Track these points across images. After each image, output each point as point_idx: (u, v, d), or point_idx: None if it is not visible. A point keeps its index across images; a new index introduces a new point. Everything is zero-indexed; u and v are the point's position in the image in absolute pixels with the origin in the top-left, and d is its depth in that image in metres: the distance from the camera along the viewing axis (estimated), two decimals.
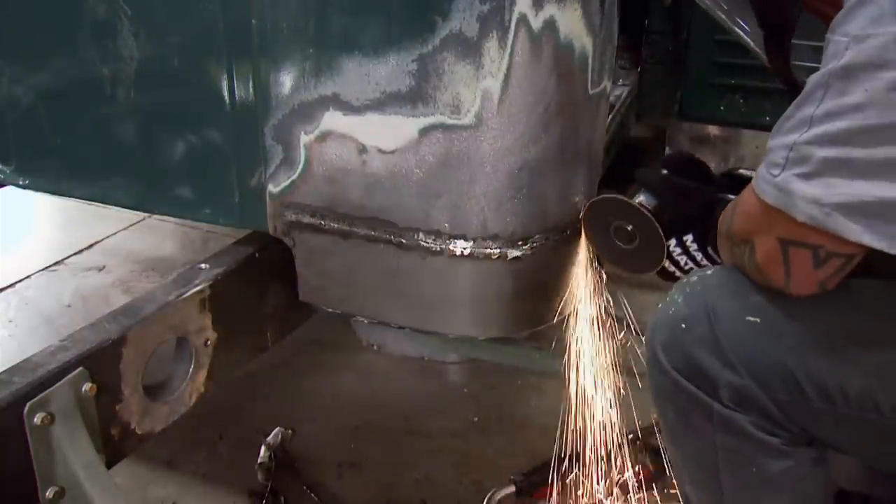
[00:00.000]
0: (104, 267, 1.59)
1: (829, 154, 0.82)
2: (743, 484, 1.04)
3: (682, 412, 1.04)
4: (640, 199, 1.27)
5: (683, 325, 1.00)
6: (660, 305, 1.06)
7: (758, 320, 0.97)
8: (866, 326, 0.95)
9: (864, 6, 0.79)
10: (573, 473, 1.75)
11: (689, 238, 1.19)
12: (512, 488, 1.71)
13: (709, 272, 1.07)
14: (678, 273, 1.22)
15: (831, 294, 0.93)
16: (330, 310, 1.39)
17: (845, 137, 0.81)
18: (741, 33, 1.26)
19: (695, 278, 1.05)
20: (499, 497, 1.70)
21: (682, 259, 1.21)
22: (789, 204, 0.85)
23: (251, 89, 1.23)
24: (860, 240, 0.82)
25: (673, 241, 1.20)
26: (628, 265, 1.28)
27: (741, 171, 1.31)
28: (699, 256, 1.20)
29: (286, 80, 1.20)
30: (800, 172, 0.84)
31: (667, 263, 1.22)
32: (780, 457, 1.00)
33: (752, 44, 1.26)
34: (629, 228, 1.24)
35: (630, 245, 1.25)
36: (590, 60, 1.18)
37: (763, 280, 0.97)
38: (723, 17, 1.30)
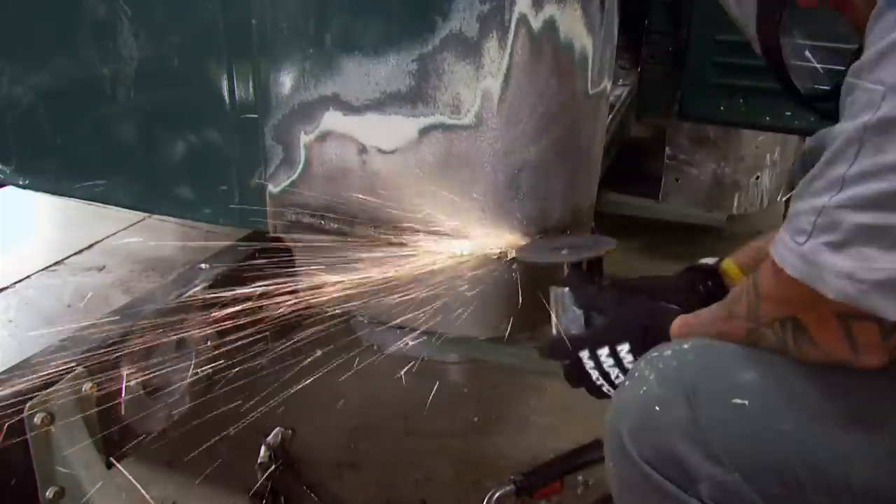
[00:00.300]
0: (104, 267, 1.59)
1: (863, 220, 0.71)
2: None
3: None
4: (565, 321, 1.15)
5: (657, 408, 0.87)
6: (626, 383, 0.93)
7: (746, 402, 0.84)
8: (876, 406, 0.83)
9: None
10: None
11: (623, 348, 1.04)
12: (512, 488, 1.71)
13: (685, 345, 0.92)
14: (606, 388, 1.08)
15: (835, 369, 0.83)
16: (330, 310, 1.38)
17: (883, 201, 0.70)
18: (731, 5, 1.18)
19: (668, 352, 0.91)
20: (498, 496, 1.70)
21: (614, 371, 1.06)
22: (817, 278, 0.74)
23: (251, 89, 1.23)
24: None
25: (605, 350, 1.06)
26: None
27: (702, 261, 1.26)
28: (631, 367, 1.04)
29: (286, 80, 1.20)
30: (829, 241, 0.73)
31: (595, 376, 1.08)
32: None
33: (739, 20, 1.17)
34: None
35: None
36: (590, 60, 1.18)
37: (823, 356, 0.83)
38: None
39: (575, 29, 1.13)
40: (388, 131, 1.17)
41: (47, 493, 1.00)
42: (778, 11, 1.07)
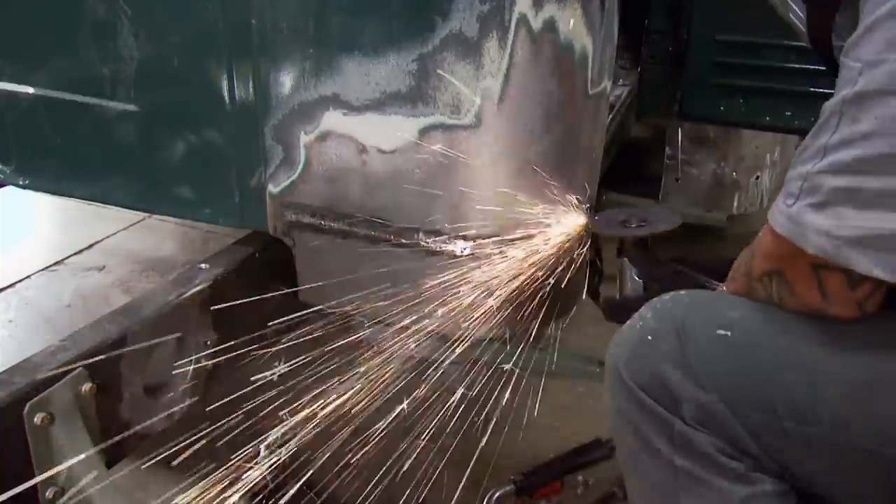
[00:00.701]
0: (104, 267, 1.59)
1: (839, 184, 0.80)
2: None
3: (642, 434, 0.97)
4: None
5: (650, 338, 0.96)
6: (628, 322, 1.02)
7: (729, 333, 0.93)
8: (847, 345, 0.90)
9: (878, 30, 0.77)
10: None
11: None
12: (512, 488, 1.71)
13: (682, 291, 1.02)
14: None
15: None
16: (330, 310, 1.38)
17: (856, 166, 0.79)
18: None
19: (667, 297, 1.01)
20: (498, 496, 1.70)
21: None
22: (800, 236, 0.84)
23: (251, 89, 1.23)
24: (870, 272, 0.79)
25: None
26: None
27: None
28: None
29: (286, 80, 1.20)
30: (812, 203, 0.82)
31: None
32: (743, 483, 0.93)
33: (790, 17, 1.20)
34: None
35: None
36: (590, 60, 1.18)
37: (799, 304, 0.92)
38: None
39: (575, 29, 1.13)
40: (388, 131, 1.17)
41: (47, 493, 1.00)
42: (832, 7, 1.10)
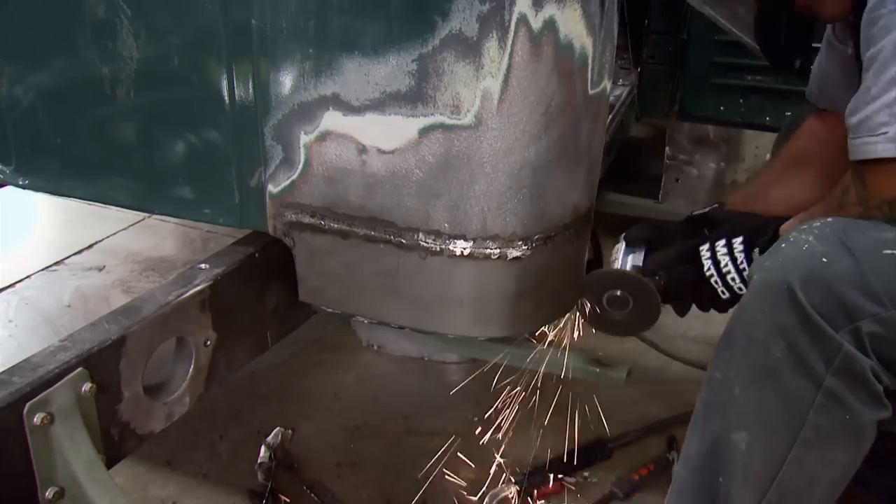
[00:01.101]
0: (104, 267, 1.59)
1: None
2: (828, 430, 1.03)
3: (797, 351, 1.01)
4: (627, 262, 1.35)
5: (824, 260, 1.00)
6: (783, 245, 1.06)
7: (895, 252, 0.99)
8: None
9: None
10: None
11: (737, 240, 1.24)
12: (513, 488, 1.71)
13: (825, 220, 1.08)
14: (715, 278, 1.28)
15: None
16: (330, 310, 1.39)
17: None
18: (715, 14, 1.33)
19: (816, 223, 1.06)
20: (500, 497, 1.70)
21: (725, 260, 1.25)
22: None
23: (251, 89, 1.23)
24: None
25: (722, 242, 1.25)
26: (630, 329, 1.34)
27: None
28: (742, 262, 1.25)
29: (286, 80, 1.20)
30: None
31: (708, 266, 1.27)
32: (879, 408, 1.01)
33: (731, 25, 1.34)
34: (619, 294, 1.32)
35: (626, 310, 1.31)
36: (590, 60, 1.18)
37: None
38: None
39: (575, 29, 1.13)
40: (388, 131, 1.17)
41: (47, 494, 1.00)
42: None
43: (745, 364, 1.08)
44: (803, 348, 1.00)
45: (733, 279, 1.27)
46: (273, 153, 1.26)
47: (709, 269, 1.28)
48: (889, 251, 1.00)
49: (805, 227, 1.06)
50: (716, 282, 1.28)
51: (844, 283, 0.98)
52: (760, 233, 1.24)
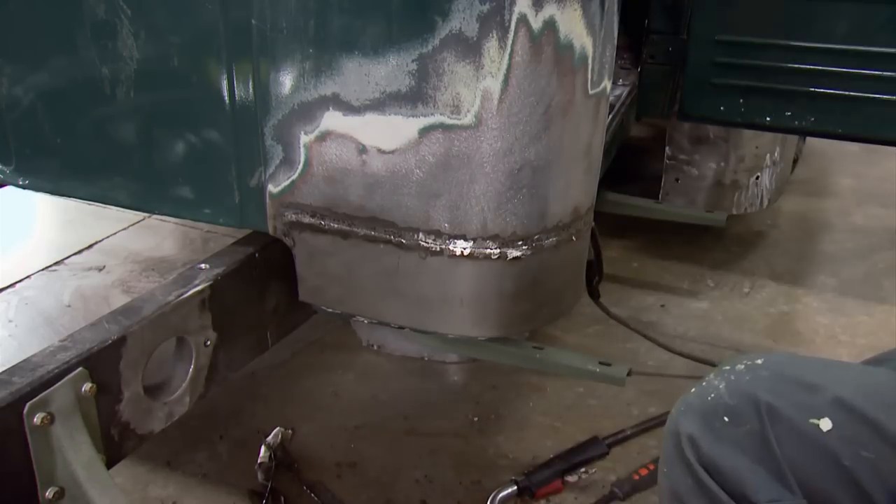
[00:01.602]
0: (104, 267, 1.59)
1: None
2: None
3: None
4: None
5: (726, 419, 0.82)
6: (693, 389, 0.88)
7: (829, 424, 0.78)
8: None
9: None
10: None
11: None
12: (514, 489, 1.71)
13: (759, 360, 0.88)
14: None
15: None
16: (330, 310, 1.39)
17: None
18: None
19: (741, 366, 0.87)
20: (501, 496, 1.70)
21: None
22: None
23: (251, 89, 1.23)
24: None
25: None
26: None
27: None
28: None
29: (286, 80, 1.20)
30: None
31: None
32: None
33: None
34: None
35: None
36: (590, 60, 1.18)
37: None
38: None
39: (575, 29, 1.13)
40: (388, 131, 1.17)
41: (47, 494, 1.00)
42: None
43: None
44: None
45: None
46: (273, 153, 1.26)
47: None
48: (815, 421, 0.78)
49: (727, 368, 0.87)
50: None
51: (743, 451, 0.79)
52: None
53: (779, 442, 0.78)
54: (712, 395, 0.84)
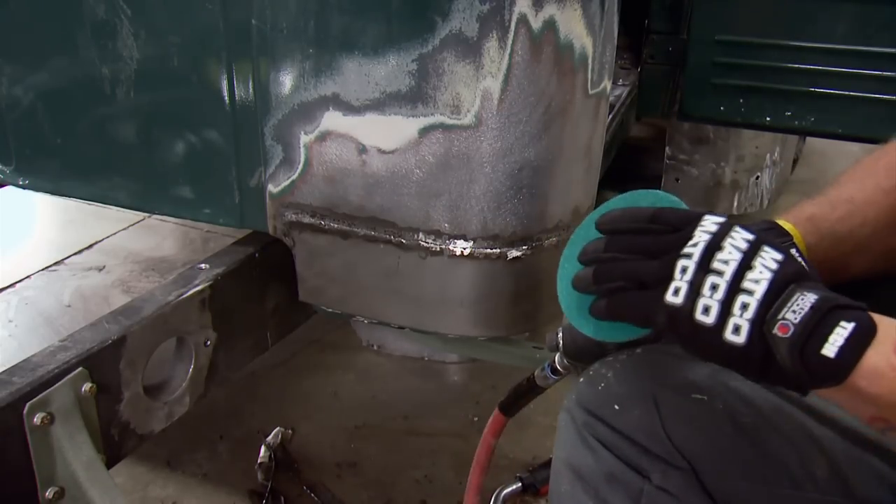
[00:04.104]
0: (104, 267, 1.59)
1: None
2: None
3: (601, 496, 0.85)
4: None
5: (617, 407, 0.86)
6: (582, 378, 0.92)
7: (705, 398, 0.84)
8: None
9: None
10: None
11: (774, 255, 0.67)
12: (518, 486, 1.71)
13: (638, 351, 0.93)
14: (686, 266, 0.72)
15: None
16: (330, 310, 1.39)
17: None
18: None
19: (623, 356, 0.92)
20: (505, 494, 1.70)
21: (733, 253, 0.69)
22: None
23: (251, 89, 1.23)
24: None
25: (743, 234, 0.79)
26: None
27: None
28: (756, 281, 0.65)
29: (286, 80, 1.20)
30: None
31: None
32: None
33: None
34: None
35: None
36: (590, 60, 1.18)
37: None
38: None
39: (575, 29, 1.13)
40: (388, 131, 1.17)
41: (47, 494, 1.00)
42: None
43: None
44: (605, 493, 0.84)
45: (714, 286, 0.67)
46: (273, 153, 1.26)
47: (696, 243, 0.69)
48: (698, 395, 0.83)
49: (611, 359, 0.91)
50: (683, 268, 0.69)
51: (636, 431, 0.83)
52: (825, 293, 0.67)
53: (665, 421, 0.82)
54: (602, 385, 0.88)
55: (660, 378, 0.86)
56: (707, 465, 0.81)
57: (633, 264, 0.73)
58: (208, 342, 1.23)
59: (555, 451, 0.93)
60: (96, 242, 1.69)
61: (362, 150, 1.19)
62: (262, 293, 1.35)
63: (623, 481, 0.83)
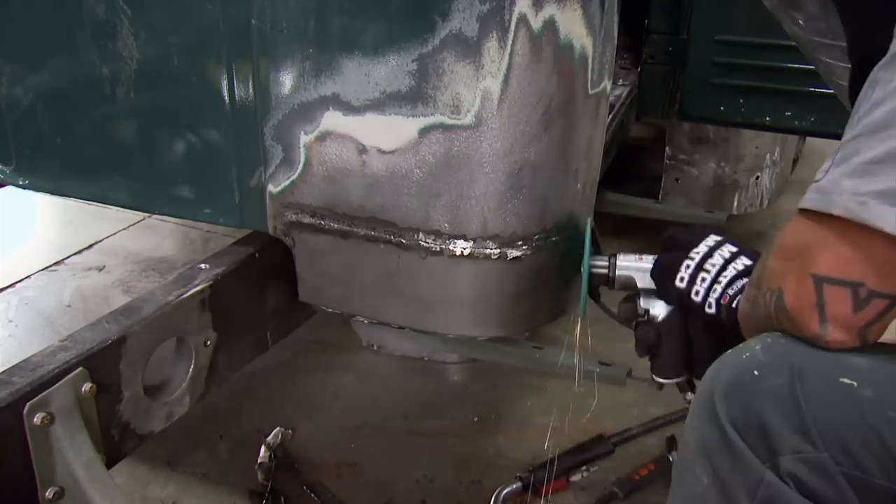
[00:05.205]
0: (104, 267, 1.59)
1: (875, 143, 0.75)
2: None
3: (720, 477, 0.83)
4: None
5: (756, 373, 0.82)
6: (730, 350, 0.89)
7: (855, 383, 0.78)
8: None
9: None
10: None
11: (744, 260, 1.05)
12: (518, 485, 1.71)
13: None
14: (689, 265, 1.08)
15: None
16: (330, 310, 1.39)
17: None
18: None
19: (778, 334, 0.87)
20: (505, 493, 1.70)
21: (719, 260, 1.06)
22: (826, 202, 0.77)
23: (251, 89, 1.23)
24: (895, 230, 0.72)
25: (730, 248, 1.07)
26: None
27: None
28: (725, 276, 1.05)
29: (286, 80, 1.20)
30: (845, 170, 0.77)
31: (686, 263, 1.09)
32: None
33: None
34: None
35: None
36: (590, 60, 1.18)
37: (793, 328, 0.83)
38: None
39: (575, 29, 1.13)
40: (388, 131, 1.17)
41: (47, 494, 1.00)
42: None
43: (679, 486, 0.90)
44: (725, 475, 0.83)
45: (703, 279, 1.07)
46: (273, 153, 1.26)
47: (699, 252, 1.09)
48: (847, 380, 0.78)
49: (763, 335, 0.88)
50: (687, 265, 1.09)
51: (771, 404, 0.80)
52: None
53: (806, 398, 0.78)
54: (747, 354, 0.85)
55: (809, 355, 0.82)
56: (844, 456, 0.77)
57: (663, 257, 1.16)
58: (208, 342, 1.23)
59: (688, 421, 0.90)
60: (96, 242, 1.69)
61: (362, 150, 1.19)
62: (262, 293, 1.35)
63: (744, 467, 0.81)
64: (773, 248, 0.88)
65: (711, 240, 1.09)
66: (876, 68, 0.80)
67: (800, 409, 0.79)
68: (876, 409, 0.78)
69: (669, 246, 1.15)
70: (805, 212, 0.81)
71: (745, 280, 1.02)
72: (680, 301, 1.11)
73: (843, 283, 0.78)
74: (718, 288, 1.05)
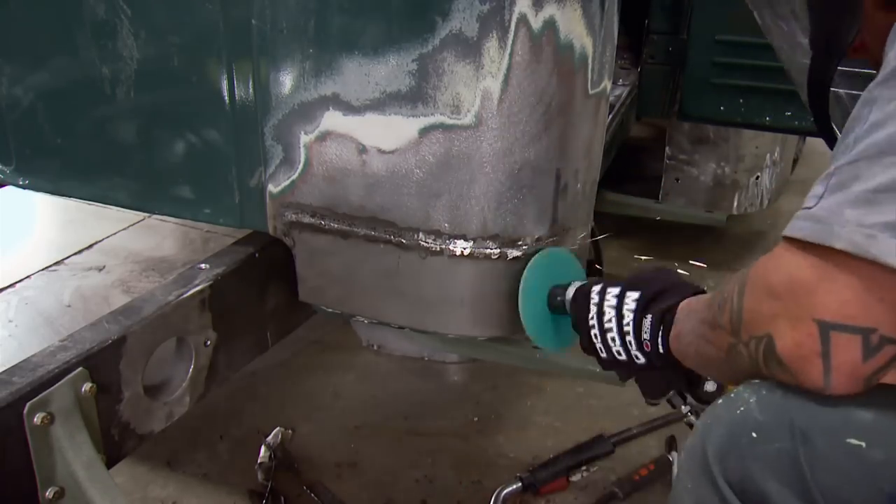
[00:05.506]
0: (104, 267, 1.59)
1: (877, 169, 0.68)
2: None
3: None
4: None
5: (754, 435, 0.75)
6: (720, 400, 0.82)
7: (863, 444, 0.70)
8: None
9: None
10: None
11: (632, 296, 1.03)
12: (518, 485, 1.71)
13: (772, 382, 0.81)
14: (595, 331, 1.08)
15: None
16: (330, 310, 1.39)
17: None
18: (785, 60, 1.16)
19: (771, 382, 0.79)
20: (505, 493, 1.70)
21: (610, 312, 1.05)
22: (825, 233, 0.68)
23: (251, 89, 1.23)
24: None
25: (616, 291, 1.06)
26: None
27: None
28: (628, 325, 1.03)
29: (286, 80, 1.20)
30: (845, 198, 0.69)
31: (592, 312, 1.08)
32: None
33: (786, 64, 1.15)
34: None
35: None
36: (590, 60, 1.18)
37: (789, 377, 0.74)
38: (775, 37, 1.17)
39: (575, 29, 1.13)
40: (388, 131, 1.17)
41: (47, 494, 1.00)
42: (834, 61, 1.04)
43: None
44: None
45: (613, 339, 1.05)
46: (273, 153, 1.26)
47: (592, 316, 1.08)
48: (854, 441, 0.70)
49: (755, 383, 0.79)
50: (595, 335, 1.08)
51: (771, 471, 0.73)
52: (659, 299, 1.01)
53: (810, 463, 0.72)
54: (742, 409, 0.78)
55: (811, 411, 0.73)
56: None
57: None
58: (208, 342, 1.23)
59: (680, 477, 0.84)
60: (96, 242, 1.69)
61: (362, 150, 1.19)
62: (262, 293, 1.35)
63: None
64: (748, 283, 0.77)
65: (595, 295, 1.09)
66: (871, 85, 0.74)
67: (803, 476, 0.72)
68: (887, 472, 0.71)
69: (574, 310, 1.15)
70: (795, 242, 0.72)
71: (650, 316, 1.01)
72: (609, 368, 1.11)
73: (853, 329, 0.69)
74: (632, 340, 1.04)
